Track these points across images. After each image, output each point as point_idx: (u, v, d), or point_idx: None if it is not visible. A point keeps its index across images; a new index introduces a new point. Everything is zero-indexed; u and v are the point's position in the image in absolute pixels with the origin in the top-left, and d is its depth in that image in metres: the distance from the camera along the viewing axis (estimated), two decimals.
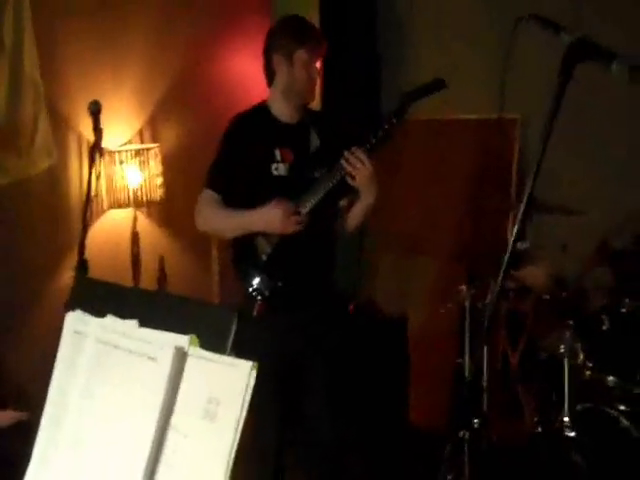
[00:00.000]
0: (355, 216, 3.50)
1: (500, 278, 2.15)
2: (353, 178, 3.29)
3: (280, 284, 3.36)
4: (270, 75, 3.49)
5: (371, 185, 3.31)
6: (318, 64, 3.47)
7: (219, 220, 3.45)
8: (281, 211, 3.26)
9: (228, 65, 5.43)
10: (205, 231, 3.59)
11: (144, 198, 4.77)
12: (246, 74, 5.32)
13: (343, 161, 3.26)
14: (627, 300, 3.71)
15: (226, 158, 3.44)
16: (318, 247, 3.49)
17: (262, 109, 3.51)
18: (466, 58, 5.03)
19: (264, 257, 3.41)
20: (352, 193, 3.45)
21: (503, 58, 3.91)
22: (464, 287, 4.23)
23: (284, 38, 3.41)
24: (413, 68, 5.27)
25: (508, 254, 2.11)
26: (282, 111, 3.48)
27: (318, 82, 3.52)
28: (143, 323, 1.49)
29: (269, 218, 3.28)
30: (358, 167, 3.24)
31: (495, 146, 4.86)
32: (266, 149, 3.41)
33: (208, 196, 3.42)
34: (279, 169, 3.40)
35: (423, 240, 5.11)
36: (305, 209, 3.33)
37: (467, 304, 4.21)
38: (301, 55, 3.39)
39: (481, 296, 4.13)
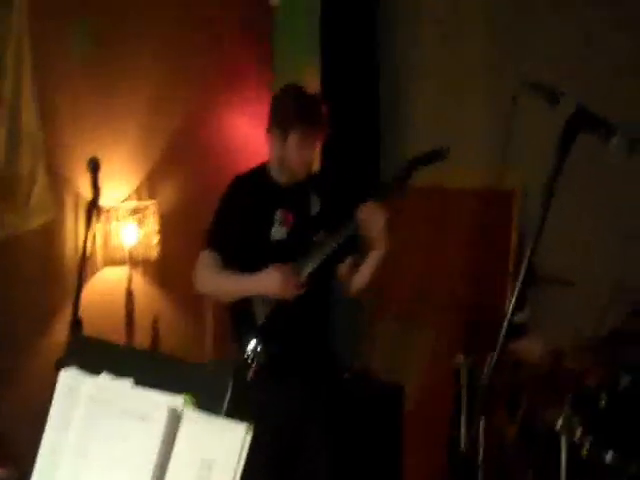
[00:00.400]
0: (363, 274, 3.47)
1: (497, 349, 2.11)
2: (366, 229, 3.30)
3: (276, 350, 3.34)
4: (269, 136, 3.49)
5: (385, 234, 3.30)
6: (317, 144, 3.45)
7: (217, 282, 3.42)
8: (281, 275, 3.24)
9: (226, 125, 5.40)
10: (204, 293, 3.59)
11: (140, 256, 4.77)
12: (244, 135, 5.34)
13: (358, 212, 3.26)
14: (624, 376, 3.66)
15: (225, 218, 3.42)
16: (315, 312, 3.47)
17: (262, 171, 3.49)
18: (467, 126, 5.00)
19: (260, 322, 3.39)
20: (352, 255, 3.47)
21: (504, 129, 4.03)
22: (461, 357, 4.22)
23: (282, 113, 3.38)
24: (413, 132, 5.26)
25: (505, 325, 2.08)
26: (280, 175, 3.47)
27: (316, 156, 3.56)
28: (138, 382, 1.49)
29: (268, 282, 3.25)
30: (373, 217, 3.25)
31: (495, 216, 4.84)
32: (266, 211, 3.39)
33: (208, 256, 3.38)
34: (278, 232, 3.39)
35: (420, 308, 5.05)
36: (304, 273, 3.31)
37: (464, 374, 4.19)
38: (295, 137, 3.36)
39: (478, 366, 4.11)
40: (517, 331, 3.90)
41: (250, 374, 3.23)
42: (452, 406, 4.37)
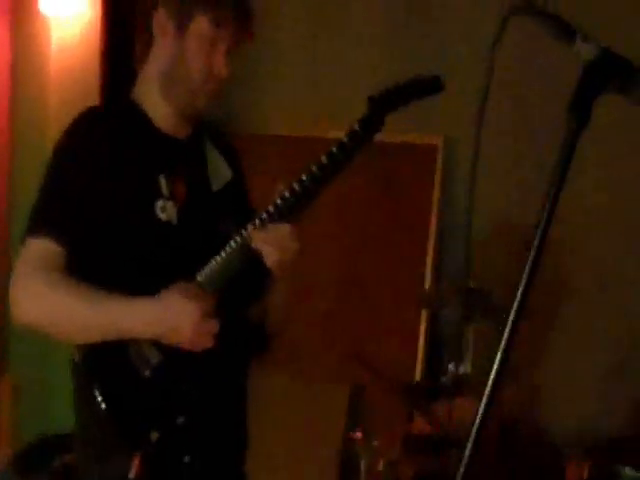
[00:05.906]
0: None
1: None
2: (267, 259, 2.53)
3: (181, 419, 2.53)
4: (144, 40, 2.64)
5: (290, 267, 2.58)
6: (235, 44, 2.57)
7: (66, 304, 2.43)
8: (199, 312, 2.40)
9: None
10: (29, 323, 2.46)
11: None
12: None
13: (251, 235, 2.49)
14: None
15: (74, 184, 2.51)
16: (237, 349, 2.67)
17: (127, 106, 2.64)
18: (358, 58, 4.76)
19: (147, 372, 2.54)
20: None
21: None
22: (358, 434, 3.92)
23: None
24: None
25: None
26: (162, 114, 2.62)
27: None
28: None
29: (175, 321, 2.41)
30: (281, 246, 2.50)
31: (406, 183, 4.44)
32: (144, 175, 2.57)
33: (39, 252, 2.43)
34: (167, 210, 2.58)
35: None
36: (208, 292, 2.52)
37: (365, 460, 3.84)
38: (202, 25, 2.55)
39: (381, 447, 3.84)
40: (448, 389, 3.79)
41: (131, 471, 2.42)
42: None
